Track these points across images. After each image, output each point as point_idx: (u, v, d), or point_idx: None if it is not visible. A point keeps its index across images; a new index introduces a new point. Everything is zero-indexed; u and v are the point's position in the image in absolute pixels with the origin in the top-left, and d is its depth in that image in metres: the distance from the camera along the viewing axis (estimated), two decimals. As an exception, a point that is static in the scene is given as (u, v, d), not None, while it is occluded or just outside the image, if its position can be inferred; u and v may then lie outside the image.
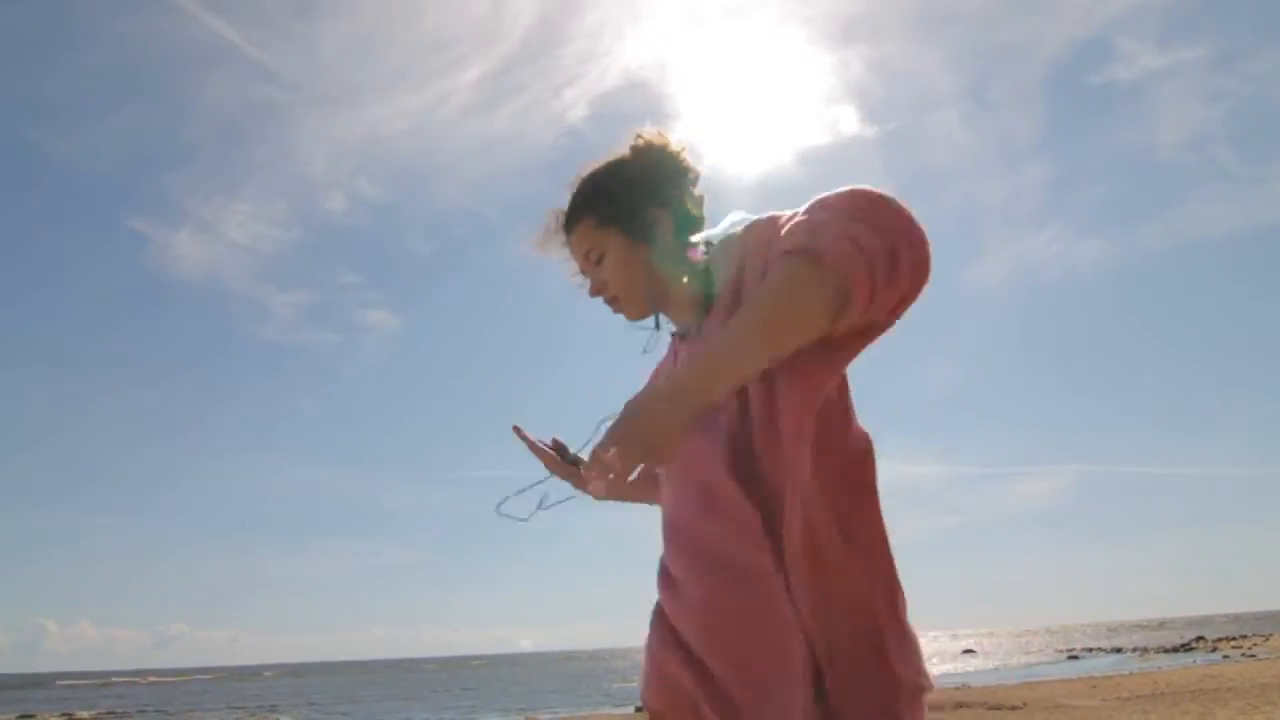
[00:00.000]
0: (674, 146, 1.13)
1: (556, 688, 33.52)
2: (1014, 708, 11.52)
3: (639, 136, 1.13)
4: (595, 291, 1.15)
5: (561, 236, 1.18)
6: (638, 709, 18.33)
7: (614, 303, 1.14)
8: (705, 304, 1.09)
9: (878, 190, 0.91)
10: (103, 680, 72.36)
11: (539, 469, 1.24)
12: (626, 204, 1.10)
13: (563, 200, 1.18)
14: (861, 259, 0.86)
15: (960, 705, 12.16)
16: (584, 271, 1.16)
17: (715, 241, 1.09)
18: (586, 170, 1.15)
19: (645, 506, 1.30)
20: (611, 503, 1.29)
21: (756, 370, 0.90)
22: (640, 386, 1.16)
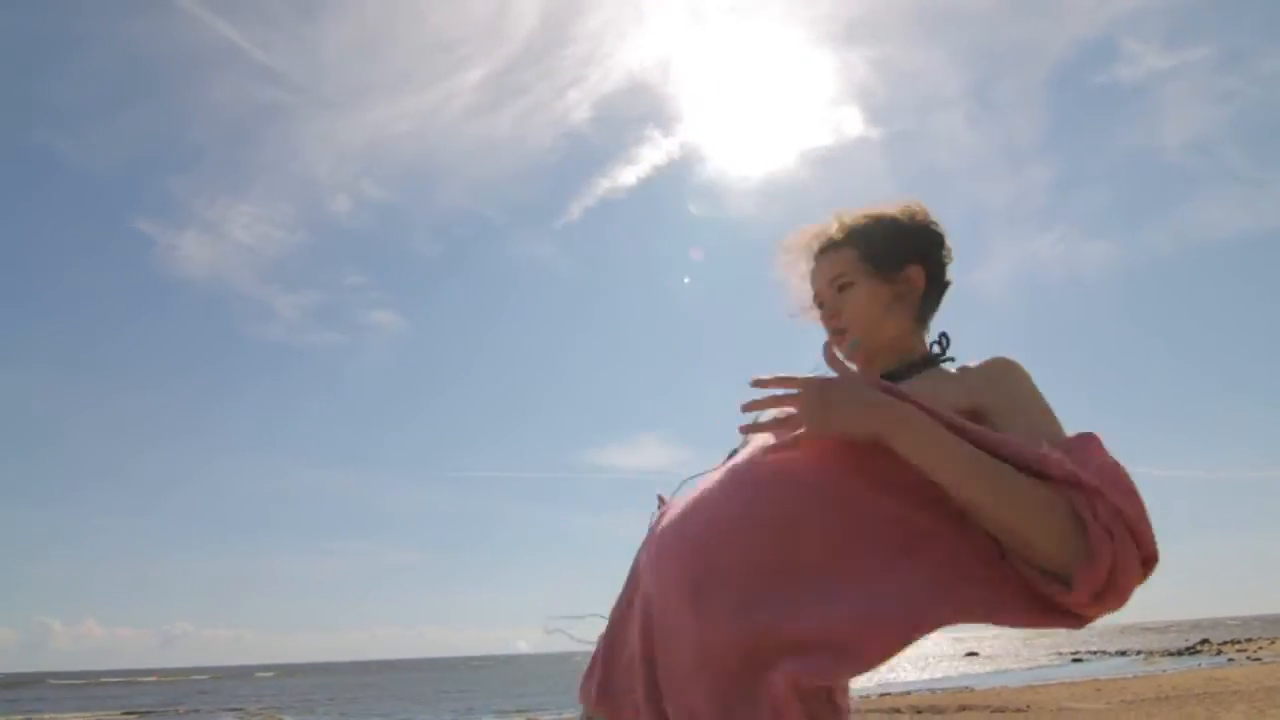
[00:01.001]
0: (935, 218, 1.18)
1: (557, 688, 33.49)
2: (1018, 710, 11.49)
3: (907, 205, 1.17)
4: (829, 316, 1.15)
5: (810, 252, 1.20)
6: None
7: (839, 332, 1.14)
8: (909, 370, 1.10)
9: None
10: (93, 680, 72.17)
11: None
12: (891, 249, 1.13)
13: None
14: (1109, 551, 0.83)
15: (964, 708, 12.13)
16: (820, 293, 1.17)
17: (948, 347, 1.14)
18: (853, 211, 1.18)
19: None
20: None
21: (953, 489, 0.88)
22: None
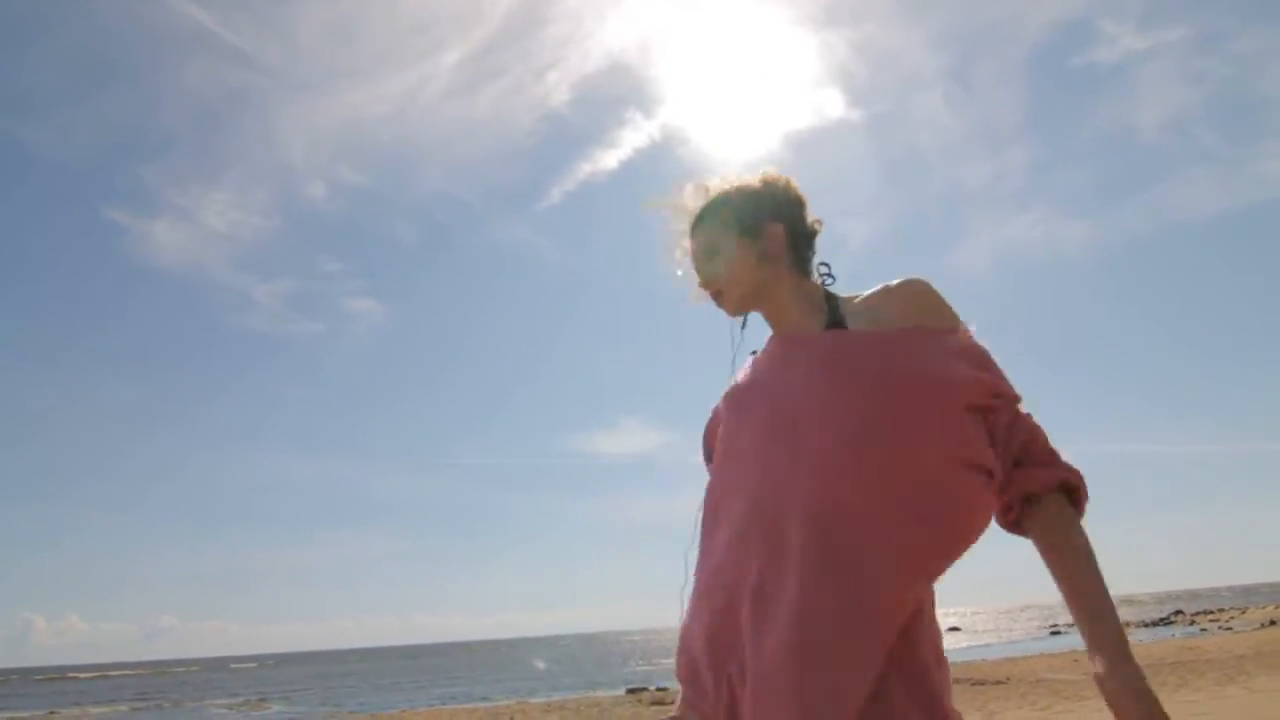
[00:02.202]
0: (789, 179, 1.29)
1: (549, 672, 33.74)
2: (998, 682, 11.73)
3: (764, 174, 1.29)
4: (704, 282, 1.27)
5: (686, 224, 1.30)
6: (629, 691, 18.48)
7: (717, 296, 1.27)
8: (826, 320, 1.20)
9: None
10: (57, 675, 71.10)
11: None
12: (747, 212, 1.25)
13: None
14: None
15: (946, 681, 12.36)
16: (696, 265, 1.29)
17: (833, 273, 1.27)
18: (714, 182, 1.29)
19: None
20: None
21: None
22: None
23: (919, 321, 1.12)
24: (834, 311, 1.20)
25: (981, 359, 1.12)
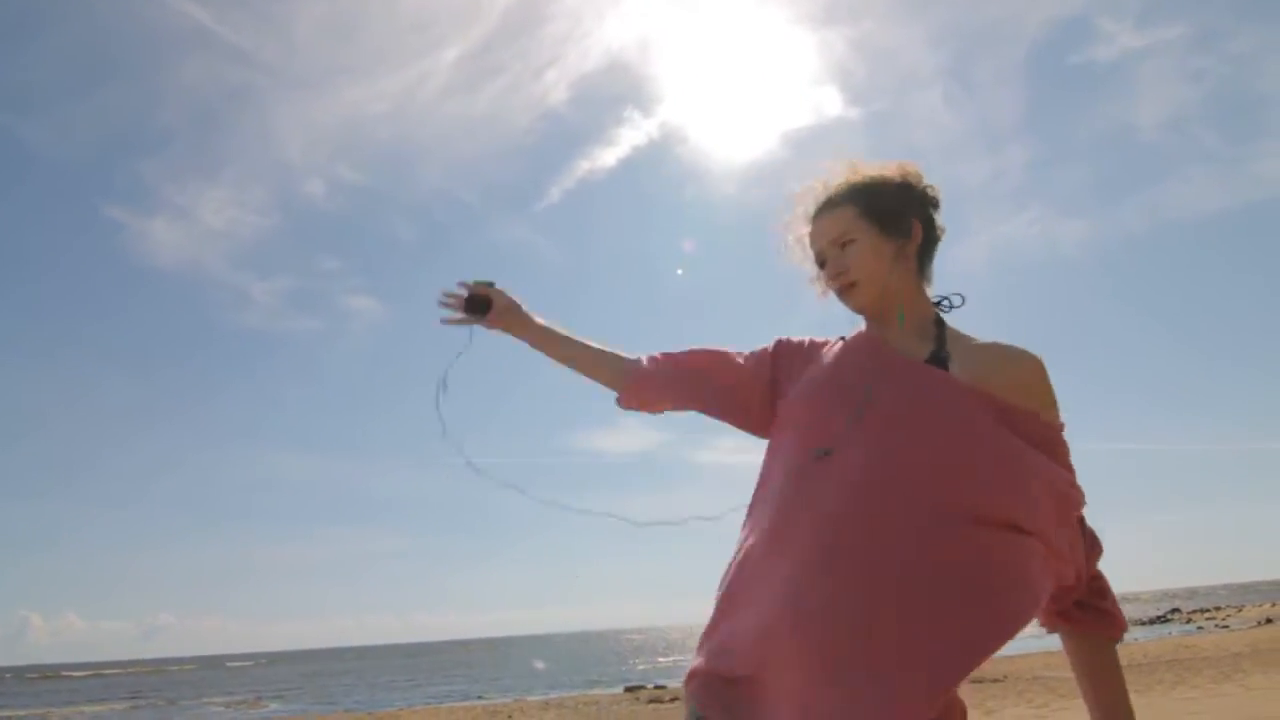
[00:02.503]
0: (928, 180, 1.21)
1: (547, 670, 33.75)
2: (995, 680, 11.75)
3: (903, 166, 1.20)
4: (835, 273, 1.17)
5: (806, 215, 1.22)
6: (628, 689, 18.48)
7: (848, 288, 1.16)
8: (929, 340, 1.14)
9: None
10: (52, 674, 70.99)
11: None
12: (890, 205, 1.16)
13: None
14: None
15: (943, 679, 12.37)
16: (824, 253, 1.19)
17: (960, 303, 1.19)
18: (849, 168, 1.21)
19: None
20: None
21: None
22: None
23: (1027, 403, 1.06)
24: (941, 343, 1.13)
25: (1067, 458, 1.09)
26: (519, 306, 1.33)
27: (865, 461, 1.02)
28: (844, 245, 1.16)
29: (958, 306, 1.19)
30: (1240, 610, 34.55)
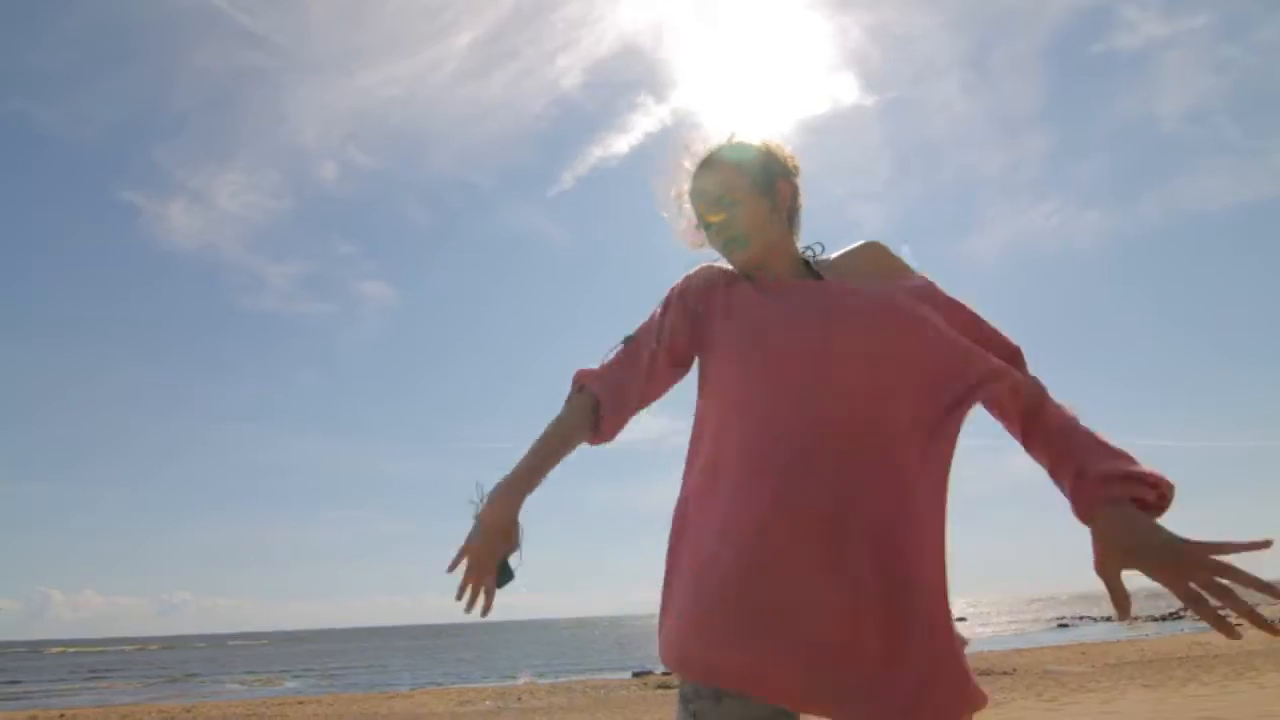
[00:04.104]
0: (789, 149, 1.33)
1: (556, 654, 34.02)
2: (1005, 673, 11.74)
3: (765, 139, 1.32)
4: (720, 228, 1.27)
5: (687, 174, 1.31)
6: (635, 675, 18.60)
7: (733, 241, 1.26)
8: (803, 270, 1.29)
9: None
10: (70, 648, 71.56)
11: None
12: (766, 167, 1.28)
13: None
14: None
15: (952, 671, 12.36)
16: (709, 210, 1.28)
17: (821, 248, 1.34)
18: (733, 134, 1.31)
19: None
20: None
21: None
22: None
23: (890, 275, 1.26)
24: (814, 272, 1.28)
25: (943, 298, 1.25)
26: (514, 523, 1.21)
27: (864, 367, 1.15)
28: (730, 202, 1.26)
29: (820, 255, 1.32)
30: (1256, 608, 34.16)
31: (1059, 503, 1.15)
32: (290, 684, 24.39)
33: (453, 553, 1.20)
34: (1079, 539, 1.11)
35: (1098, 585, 1.09)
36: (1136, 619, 33.26)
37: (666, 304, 1.30)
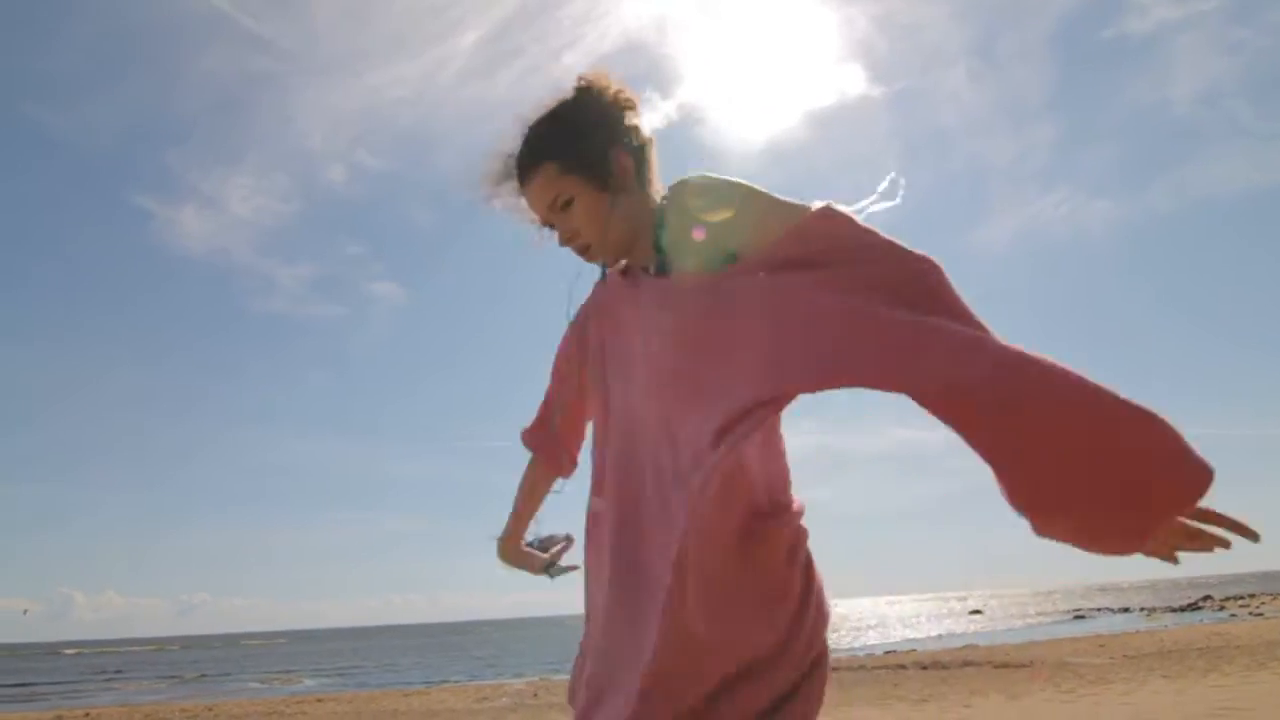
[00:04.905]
0: (615, 83, 1.11)
1: (572, 650, 34.02)
2: (1021, 665, 11.67)
3: (581, 78, 1.11)
4: (566, 239, 1.12)
5: (513, 183, 1.14)
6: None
7: (585, 250, 1.13)
8: (659, 248, 1.09)
9: None
10: (91, 649, 72.56)
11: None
12: (588, 147, 1.08)
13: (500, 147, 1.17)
14: None
15: (967, 664, 12.33)
16: (547, 220, 1.13)
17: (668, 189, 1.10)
18: (534, 115, 1.12)
19: None
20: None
21: None
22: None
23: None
24: (661, 252, 1.08)
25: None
26: (522, 554, 1.49)
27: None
28: (563, 206, 1.09)
29: (667, 197, 1.09)
30: (1275, 598, 33.91)
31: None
32: (308, 682, 24.60)
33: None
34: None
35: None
36: (1154, 609, 32.99)
37: (570, 337, 1.31)
